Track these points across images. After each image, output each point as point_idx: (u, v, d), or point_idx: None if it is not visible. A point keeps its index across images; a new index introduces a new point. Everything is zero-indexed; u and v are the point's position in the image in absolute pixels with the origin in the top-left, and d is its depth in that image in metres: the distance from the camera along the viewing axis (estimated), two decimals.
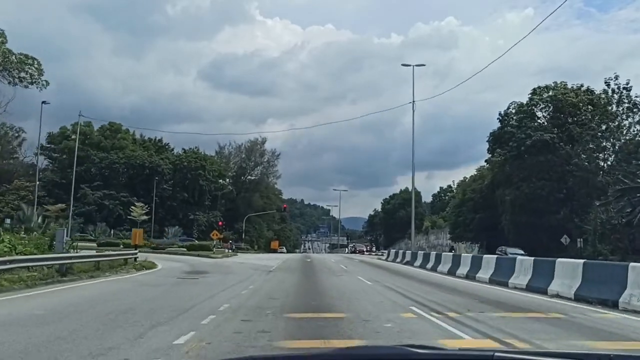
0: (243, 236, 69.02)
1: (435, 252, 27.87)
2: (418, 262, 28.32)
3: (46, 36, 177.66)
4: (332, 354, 2.15)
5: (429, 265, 25.49)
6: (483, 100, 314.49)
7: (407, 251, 34.77)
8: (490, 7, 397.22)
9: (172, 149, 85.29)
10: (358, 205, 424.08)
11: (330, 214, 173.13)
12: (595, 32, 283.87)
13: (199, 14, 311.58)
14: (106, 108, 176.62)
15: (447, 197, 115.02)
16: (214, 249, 39.38)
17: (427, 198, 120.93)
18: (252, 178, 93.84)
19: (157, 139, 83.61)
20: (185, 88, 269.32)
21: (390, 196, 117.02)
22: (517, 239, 51.61)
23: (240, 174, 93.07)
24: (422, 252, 30.51)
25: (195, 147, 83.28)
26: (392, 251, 39.85)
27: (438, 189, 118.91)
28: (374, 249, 66.04)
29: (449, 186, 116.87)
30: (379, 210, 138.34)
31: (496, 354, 1.86)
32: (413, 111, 33.52)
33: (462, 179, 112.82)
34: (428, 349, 2.05)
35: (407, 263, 30.82)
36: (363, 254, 63.33)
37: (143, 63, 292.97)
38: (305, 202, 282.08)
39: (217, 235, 40.14)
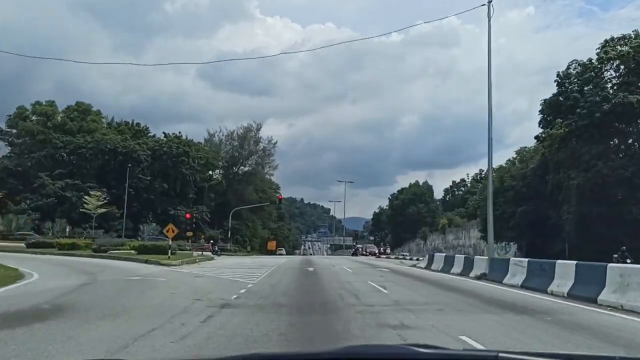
0: (229, 235, 55.53)
1: (582, 263, 13.71)
2: (517, 279, 14.80)
3: (45, 35, 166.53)
4: (336, 352, 1.96)
5: (574, 290, 11.89)
6: (483, 100, 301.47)
7: (478, 257, 20.95)
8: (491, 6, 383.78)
9: (153, 135, 71.77)
10: (358, 205, 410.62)
11: (331, 213, 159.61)
12: (596, 31, 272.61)
13: (198, 12, 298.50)
14: (105, 107, 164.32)
15: (459, 193, 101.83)
16: (170, 251, 25.79)
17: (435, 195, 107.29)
18: (246, 169, 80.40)
19: (134, 122, 70.11)
20: (184, 87, 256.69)
21: (398, 191, 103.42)
22: (581, 237, 38.23)
23: (232, 164, 79.61)
24: (524, 259, 16.37)
25: (179, 132, 69.87)
26: (439, 255, 25.85)
27: (451, 183, 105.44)
28: (388, 250, 52.16)
29: (463, 180, 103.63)
30: (384, 207, 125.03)
31: (500, 354, 1.74)
32: (489, 18, 19.79)
33: (478, 171, 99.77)
34: (432, 349, 1.90)
35: (482, 277, 17.32)
36: (379, 257, 49.40)
37: (142, 62, 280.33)
38: (305, 202, 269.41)
39: (173, 230, 26.44)
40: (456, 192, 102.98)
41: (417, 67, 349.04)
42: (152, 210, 64.00)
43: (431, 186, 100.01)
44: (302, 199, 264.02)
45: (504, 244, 54.18)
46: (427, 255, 26.38)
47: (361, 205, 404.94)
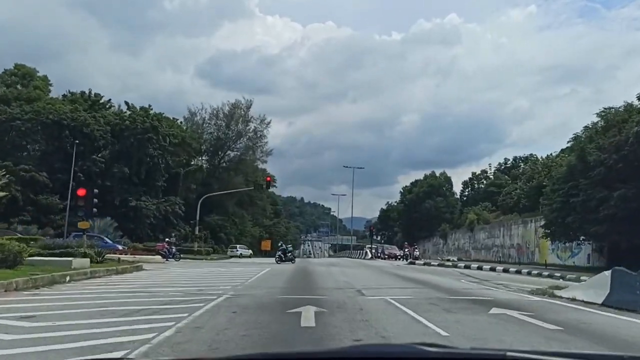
0: (196, 231, 39.65)
1: None
2: None
3: (42, 32, 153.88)
4: (345, 351, 1.88)
5: None
6: (484, 100, 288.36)
7: None
8: (492, 5, 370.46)
9: (119, 108, 55.92)
10: (359, 205, 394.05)
11: (332, 212, 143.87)
12: (597, 30, 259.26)
13: (197, 9, 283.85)
14: None
15: (481, 186, 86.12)
16: None
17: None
18: (233, 154, 64.78)
19: (91, 92, 54.27)
20: (183, 86, 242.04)
21: (412, 183, 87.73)
22: None
23: (217, 148, 63.95)
24: None
25: (148, 105, 54.19)
26: None
27: (470, 175, 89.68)
28: (416, 251, 36.38)
29: (484, 171, 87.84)
30: (393, 203, 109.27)
31: (508, 353, 1.67)
32: None
33: (502, 160, 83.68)
34: (440, 347, 1.82)
35: None
36: (412, 262, 33.24)
37: (141, 60, 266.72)
38: (305, 201, 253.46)
39: None
40: (477, 185, 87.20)
41: (418, 65, 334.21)
42: (108, 200, 48.36)
43: (449, 177, 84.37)
44: (302, 198, 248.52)
45: (572, 243, 38.46)
46: (606, 274, 10.14)
47: (362, 205, 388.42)
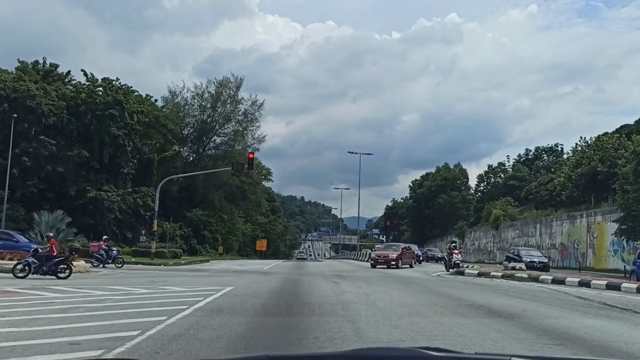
0: (154, 226, 29.59)
1: None
2: None
3: (40, 30, 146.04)
4: (348, 354, 1.87)
5: None
6: (485, 99, 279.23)
7: None
8: (492, 5, 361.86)
9: (90, 86, 45.75)
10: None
11: (333, 212, 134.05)
12: (598, 30, 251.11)
13: (197, 8, 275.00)
14: None
15: (498, 180, 76.10)
16: None
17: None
18: (221, 139, 55.05)
19: (46, 60, 44.30)
20: (181, 84, 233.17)
21: (422, 176, 77.87)
22: None
23: (201, 134, 54.16)
24: None
25: (116, 79, 44.29)
26: None
27: (486, 167, 79.62)
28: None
29: (501, 164, 77.82)
30: (399, 200, 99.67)
31: (513, 358, 1.63)
32: None
33: (524, 151, 73.57)
34: (444, 352, 1.76)
35: None
36: (463, 272, 22.20)
37: (139, 58, 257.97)
38: (306, 200, 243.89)
39: None
40: (493, 179, 77.29)
41: (419, 65, 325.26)
42: (61, 191, 38.68)
43: (465, 170, 74.51)
44: (302, 197, 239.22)
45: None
46: None
47: (362, 205, 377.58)
